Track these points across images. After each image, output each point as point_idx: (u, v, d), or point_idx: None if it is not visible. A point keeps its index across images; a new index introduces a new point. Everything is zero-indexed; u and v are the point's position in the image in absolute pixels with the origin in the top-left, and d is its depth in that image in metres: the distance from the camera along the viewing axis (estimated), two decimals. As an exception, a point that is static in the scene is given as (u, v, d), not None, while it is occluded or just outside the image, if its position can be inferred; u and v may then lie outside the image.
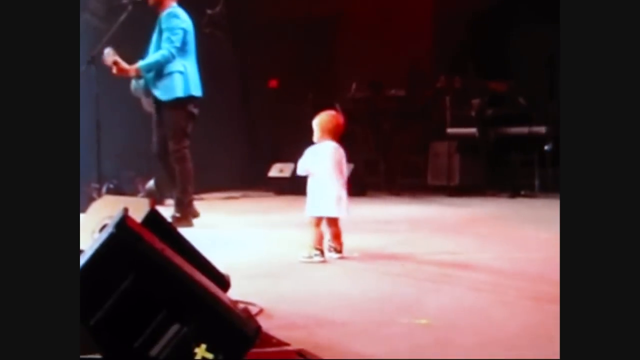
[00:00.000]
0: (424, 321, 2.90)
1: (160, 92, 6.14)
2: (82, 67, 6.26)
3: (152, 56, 6.11)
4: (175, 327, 1.94)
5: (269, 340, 2.54)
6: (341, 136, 4.57)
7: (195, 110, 6.24)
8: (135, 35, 6.67)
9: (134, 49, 6.56)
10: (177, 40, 6.04)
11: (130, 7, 6.33)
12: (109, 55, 6.06)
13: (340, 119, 4.59)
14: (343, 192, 4.44)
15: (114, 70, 6.09)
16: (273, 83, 12.15)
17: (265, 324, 2.54)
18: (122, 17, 6.36)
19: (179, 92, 6.08)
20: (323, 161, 4.42)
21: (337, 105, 9.41)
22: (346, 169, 4.61)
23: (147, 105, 6.36)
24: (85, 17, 9.60)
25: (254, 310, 2.94)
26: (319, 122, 4.51)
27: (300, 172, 4.53)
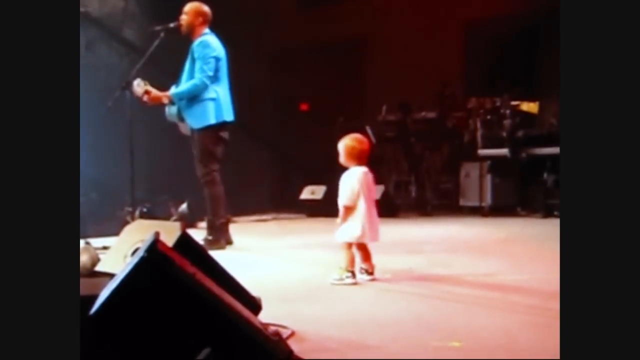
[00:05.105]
0: (456, 344, 2.88)
1: (193, 120, 6.22)
2: (116, 93, 6.38)
3: (185, 85, 6.19)
4: (206, 351, 1.95)
5: (301, 364, 2.53)
6: (369, 158, 4.54)
7: (226, 135, 6.29)
8: (168, 62, 6.77)
9: (167, 75, 6.66)
10: (209, 69, 6.12)
11: (162, 34, 6.42)
12: (139, 85, 6.14)
13: (365, 143, 4.52)
14: (375, 217, 4.44)
15: (145, 99, 6.18)
16: (304, 106, 12.24)
17: (296, 347, 2.54)
18: (155, 44, 6.45)
19: (211, 120, 6.16)
20: (357, 190, 4.39)
21: (368, 128, 9.45)
22: (374, 192, 4.58)
23: (184, 129, 6.42)
24: (120, 45, 9.79)
25: (285, 333, 2.94)
26: (344, 147, 4.48)
27: (350, 202, 4.35)
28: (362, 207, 4.36)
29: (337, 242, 4.44)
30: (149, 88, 6.19)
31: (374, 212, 4.44)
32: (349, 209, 4.36)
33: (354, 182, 4.38)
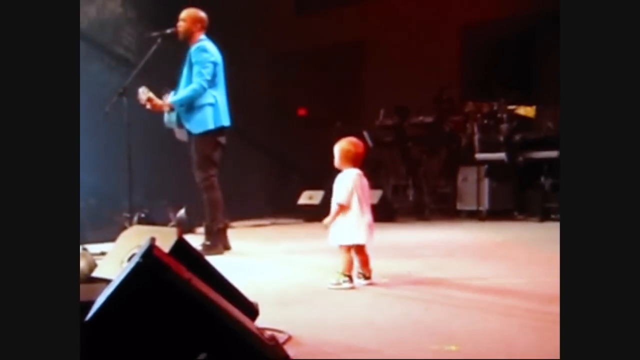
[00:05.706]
0: (454, 347, 2.88)
1: (192, 125, 6.24)
2: (114, 99, 6.40)
3: (184, 91, 6.21)
4: (202, 356, 1.95)
5: (297, 368, 2.54)
6: (363, 162, 4.55)
7: (223, 140, 6.30)
8: (165, 68, 6.78)
9: (164, 81, 6.67)
10: (207, 73, 6.14)
11: (159, 40, 6.43)
12: (143, 93, 6.22)
13: (361, 147, 4.55)
14: (370, 219, 4.44)
15: (148, 107, 6.23)
16: (302, 111, 12.26)
17: (293, 351, 2.55)
18: (152, 50, 6.47)
19: (210, 125, 6.18)
20: (351, 189, 4.40)
21: (365, 133, 9.47)
22: (370, 195, 4.59)
23: (180, 135, 6.45)
24: (118, 51, 9.80)
25: (282, 337, 2.94)
26: (339, 150, 4.51)
27: (344, 201, 4.36)
28: (355, 207, 4.37)
29: (334, 247, 4.44)
30: (152, 96, 6.23)
31: (369, 214, 4.44)
32: (343, 208, 4.38)
33: (349, 182, 4.40)
